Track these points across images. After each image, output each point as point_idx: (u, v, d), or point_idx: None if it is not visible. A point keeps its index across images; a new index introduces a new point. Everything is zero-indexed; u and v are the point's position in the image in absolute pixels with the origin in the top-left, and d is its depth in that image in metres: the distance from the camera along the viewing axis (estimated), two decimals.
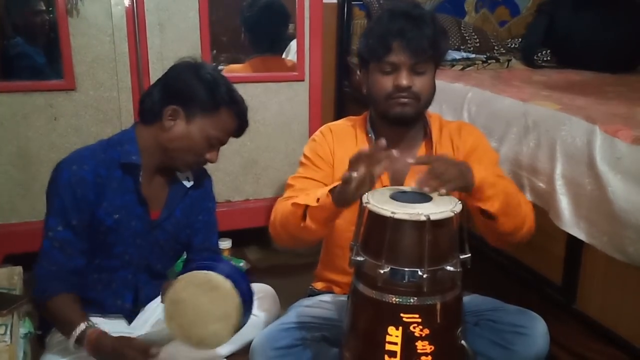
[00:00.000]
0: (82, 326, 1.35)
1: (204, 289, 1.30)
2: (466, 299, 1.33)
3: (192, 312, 1.31)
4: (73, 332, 1.34)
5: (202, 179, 1.63)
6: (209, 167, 1.67)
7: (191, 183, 1.58)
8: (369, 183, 1.23)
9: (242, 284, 1.33)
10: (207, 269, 1.32)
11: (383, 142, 1.22)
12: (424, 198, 1.21)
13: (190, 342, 1.34)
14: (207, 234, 1.65)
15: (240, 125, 1.52)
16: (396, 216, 1.11)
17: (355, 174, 1.21)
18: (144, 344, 1.32)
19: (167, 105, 1.44)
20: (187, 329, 1.32)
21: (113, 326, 1.51)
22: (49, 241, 1.41)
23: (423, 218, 1.11)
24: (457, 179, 1.26)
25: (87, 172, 1.41)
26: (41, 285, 1.41)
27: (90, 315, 1.48)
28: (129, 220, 1.48)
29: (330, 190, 1.31)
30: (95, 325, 1.38)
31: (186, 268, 1.40)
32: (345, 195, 1.25)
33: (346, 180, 1.23)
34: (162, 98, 1.46)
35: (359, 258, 1.19)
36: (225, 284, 1.30)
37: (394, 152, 1.27)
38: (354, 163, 1.23)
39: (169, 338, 1.50)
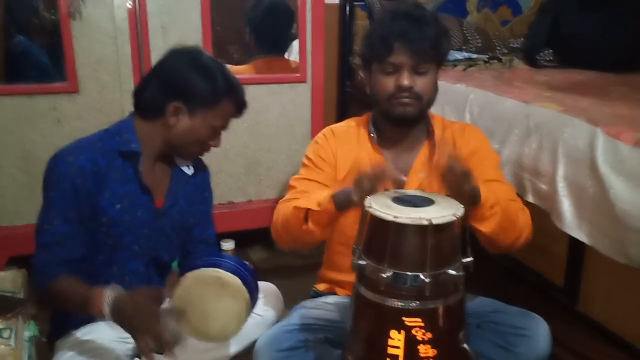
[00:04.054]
0: (109, 292, 1.27)
1: (213, 287, 1.31)
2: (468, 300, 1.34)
3: (201, 309, 1.32)
4: (102, 300, 1.26)
5: (201, 169, 1.63)
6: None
7: (192, 171, 1.58)
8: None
9: (249, 278, 1.35)
10: (214, 266, 1.33)
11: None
12: (426, 202, 1.22)
13: (199, 337, 1.35)
14: (204, 225, 1.65)
15: (240, 110, 1.52)
16: (398, 220, 1.12)
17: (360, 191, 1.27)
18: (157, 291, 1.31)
19: (167, 101, 1.42)
20: (196, 324, 1.33)
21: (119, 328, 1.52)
22: (46, 235, 1.38)
23: (425, 222, 1.11)
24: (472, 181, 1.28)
25: (84, 161, 1.39)
26: (41, 271, 1.38)
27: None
28: (135, 210, 1.46)
29: (332, 196, 1.32)
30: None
31: (191, 264, 1.38)
32: (350, 204, 1.31)
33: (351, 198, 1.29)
34: (161, 93, 1.43)
35: (361, 262, 1.19)
36: (235, 281, 1.31)
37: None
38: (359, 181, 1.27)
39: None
